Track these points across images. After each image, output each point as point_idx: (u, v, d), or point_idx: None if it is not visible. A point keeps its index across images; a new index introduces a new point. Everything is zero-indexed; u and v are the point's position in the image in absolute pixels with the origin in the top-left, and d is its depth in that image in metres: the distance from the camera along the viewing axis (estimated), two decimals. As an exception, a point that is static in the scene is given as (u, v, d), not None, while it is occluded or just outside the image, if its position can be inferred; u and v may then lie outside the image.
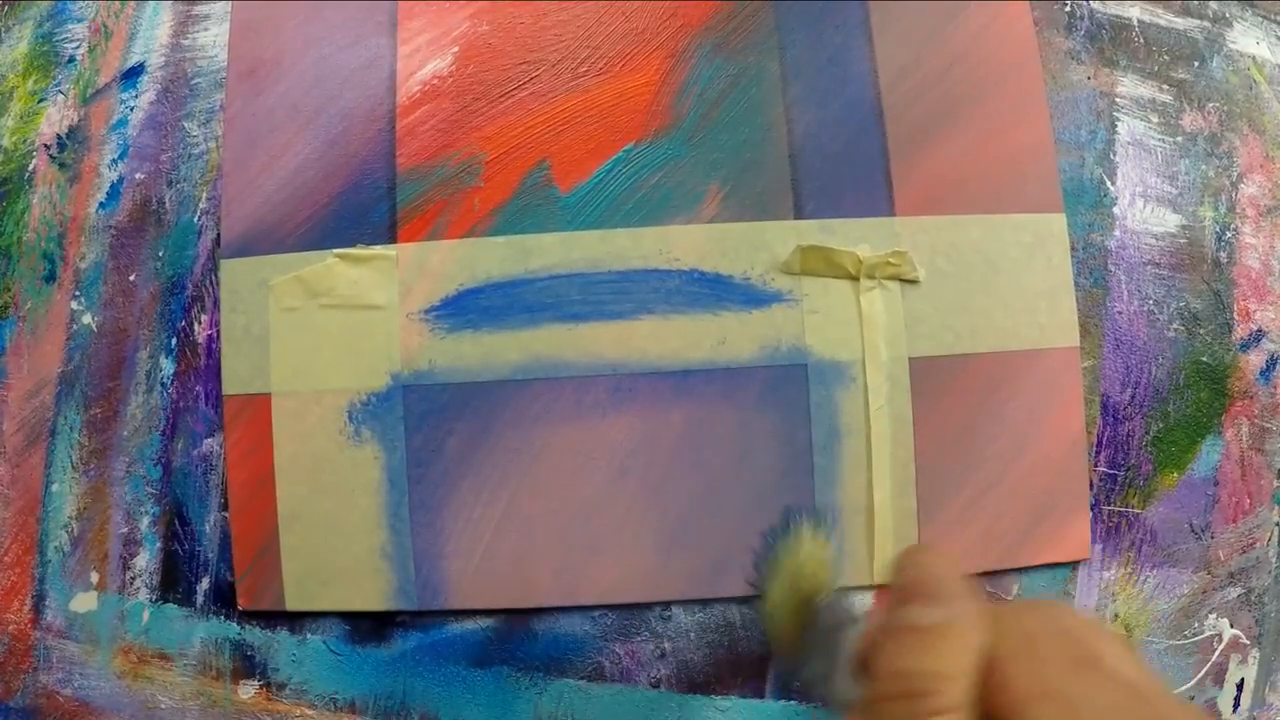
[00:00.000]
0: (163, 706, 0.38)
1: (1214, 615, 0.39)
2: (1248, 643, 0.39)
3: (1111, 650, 0.20)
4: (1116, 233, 0.40)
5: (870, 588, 0.37)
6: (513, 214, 0.38)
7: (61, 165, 0.40)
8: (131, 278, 0.39)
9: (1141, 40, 0.41)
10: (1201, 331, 0.40)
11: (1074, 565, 0.38)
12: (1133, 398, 0.39)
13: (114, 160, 0.40)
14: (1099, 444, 0.39)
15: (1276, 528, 0.39)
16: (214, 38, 0.41)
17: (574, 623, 0.37)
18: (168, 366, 0.39)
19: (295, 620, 0.38)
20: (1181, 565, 0.39)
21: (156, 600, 0.38)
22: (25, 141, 0.41)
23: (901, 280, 0.38)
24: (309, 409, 0.38)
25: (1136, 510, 0.39)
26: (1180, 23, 0.41)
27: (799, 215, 0.39)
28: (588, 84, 0.39)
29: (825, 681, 0.25)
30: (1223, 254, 0.40)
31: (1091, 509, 0.38)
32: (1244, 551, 0.39)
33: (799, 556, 0.30)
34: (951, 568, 0.22)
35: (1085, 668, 0.19)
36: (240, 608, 0.37)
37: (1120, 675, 0.19)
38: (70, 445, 0.39)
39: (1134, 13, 0.41)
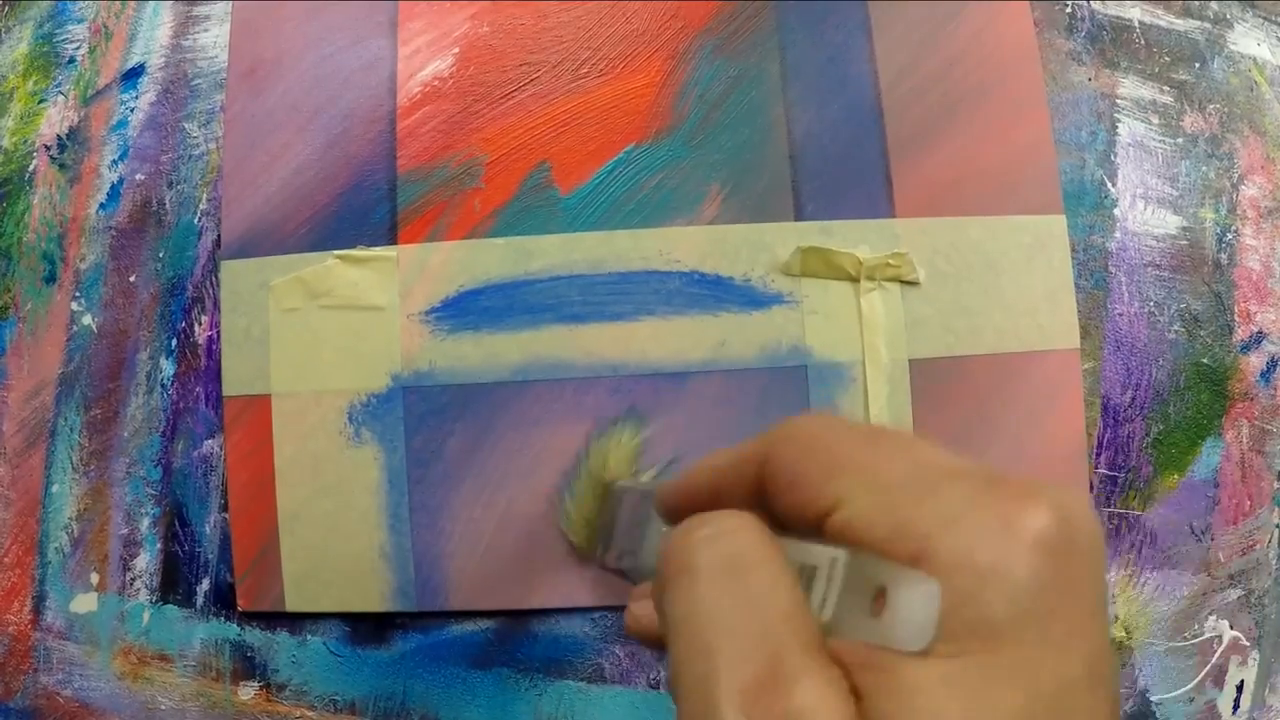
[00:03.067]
0: (163, 707, 0.38)
1: (1214, 617, 0.39)
2: (1248, 645, 0.39)
3: (899, 433, 0.19)
4: (1117, 234, 0.40)
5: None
6: (513, 215, 0.38)
7: (62, 166, 0.40)
8: (132, 279, 0.39)
9: (1142, 41, 0.41)
10: (1202, 333, 0.40)
11: (1074, 567, 0.38)
12: (1133, 399, 0.39)
13: (114, 161, 0.40)
14: (1099, 446, 0.39)
15: (1277, 530, 0.39)
16: (214, 38, 0.41)
17: (574, 624, 0.37)
18: (168, 368, 0.39)
19: (295, 621, 0.38)
20: (1181, 567, 0.39)
21: (157, 601, 0.38)
22: (25, 142, 0.41)
23: (902, 282, 0.38)
24: (309, 410, 0.38)
25: (1137, 512, 0.39)
26: (1181, 24, 0.41)
27: (799, 216, 0.39)
28: (588, 85, 0.39)
29: (631, 556, 0.26)
30: (1223, 256, 0.40)
31: (1091, 511, 0.38)
32: (1244, 553, 0.39)
33: (606, 451, 0.34)
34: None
35: (877, 438, 0.18)
36: (240, 609, 0.37)
37: (916, 446, 0.18)
38: (70, 446, 0.39)
39: (1135, 14, 0.41)
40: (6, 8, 0.42)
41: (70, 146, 0.40)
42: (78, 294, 0.39)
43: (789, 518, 0.19)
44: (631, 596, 0.24)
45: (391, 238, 0.38)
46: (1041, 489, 0.16)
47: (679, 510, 0.23)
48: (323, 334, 0.38)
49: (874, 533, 0.16)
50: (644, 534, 0.26)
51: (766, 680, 0.15)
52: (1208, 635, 0.39)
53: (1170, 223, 0.40)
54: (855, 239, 0.38)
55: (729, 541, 0.18)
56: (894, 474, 0.17)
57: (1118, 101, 0.40)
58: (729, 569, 0.17)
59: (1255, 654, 0.39)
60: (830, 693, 0.15)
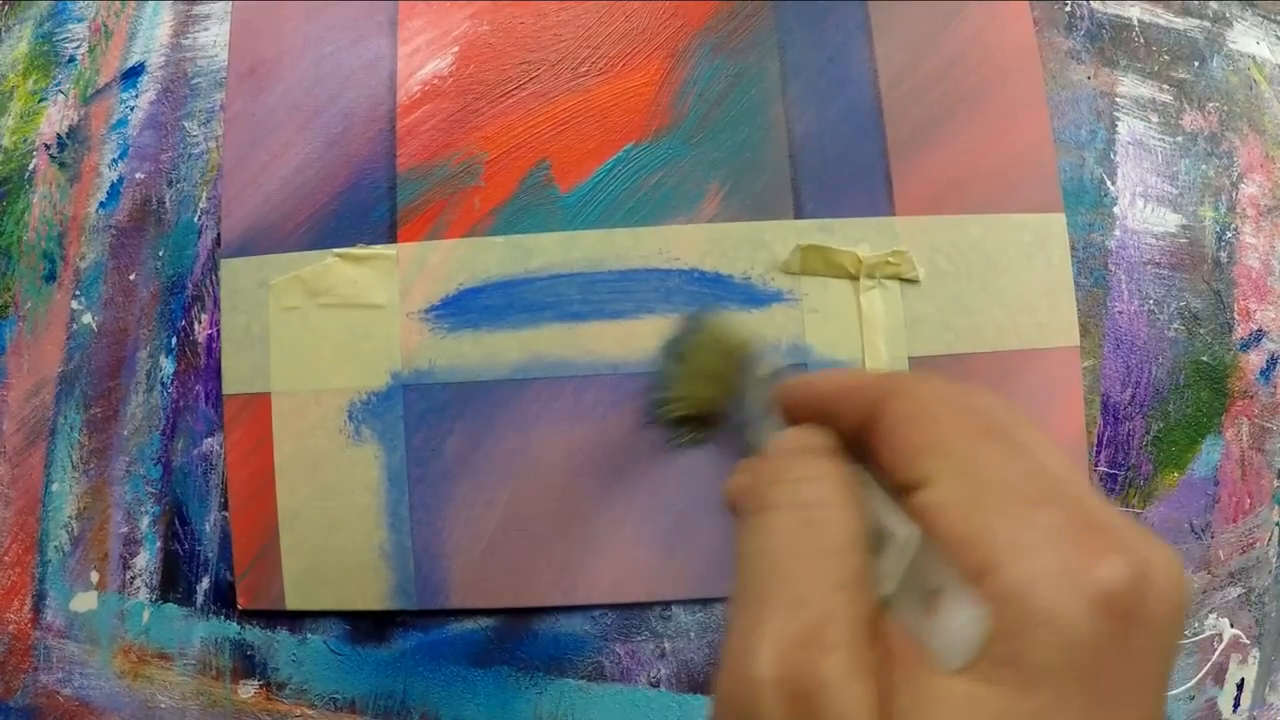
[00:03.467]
0: (162, 706, 0.38)
1: (1214, 615, 0.39)
2: (1248, 642, 0.39)
3: (1024, 428, 0.18)
4: (1117, 232, 0.40)
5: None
6: (513, 213, 0.38)
7: (62, 165, 0.40)
8: (132, 277, 0.39)
9: (1142, 40, 0.41)
10: (1202, 331, 0.40)
11: (1074, 565, 0.38)
12: (1133, 397, 0.39)
13: (114, 160, 0.40)
14: (1099, 443, 0.39)
15: (1277, 527, 0.39)
16: (214, 38, 0.41)
17: (574, 622, 0.37)
18: (168, 366, 0.39)
19: (295, 620, 0.38)
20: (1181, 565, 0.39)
21: (156, 600, 0.38)
22: (25, 141, 0.41)
23: (901, 280, 0.38)
24: (309, 408, 0.38)
25: (1137, 510, 0.39)
26: (1180, 23, 0.41)
27: (799, 215, 0.39)
28: (588, 84, 0.39)
29: (751, 430, 0.26)
30: (1223, 254, 0.40)
31: (1091, 509, 0.38)
32: (1244, 551, 0.39)
33: (716, 329, 0.32)
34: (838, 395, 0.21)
35: (989, 431, 0.17)
36: (240, 607, 0.37)
37: (1033, 451, 0.17)
38: (70, 445, 0.39)
39: (1134, 12, 0.41)
40: (6, 7, 0.42)
41: (70, 145, 0.40)
42: (78, 292, 0.39)
43: (885, 470, 0.18)
44: (739, 466, 0.23)
45: (391, 236, 0.38)
46: (1133, 543, 0.15)
47: (794, 412, 0.22)
48: (322, 332, 0.38)
49: (950, 530, 0.16)
50: (764, 417, 0.25)
51: (806, 640, 0.16)
52: (1208, 633, 0.39)
53: (1170, 221, 0.40)
54: (855, 237, 0.38)
55: (810, 490, 0.18)
56: (993, 475, 0.16)
57: (1117, 100, 0.40)
58: (803, 521, 0.17)
59: (1255, 652, 0.39)
60: (858, 673, 0.15)
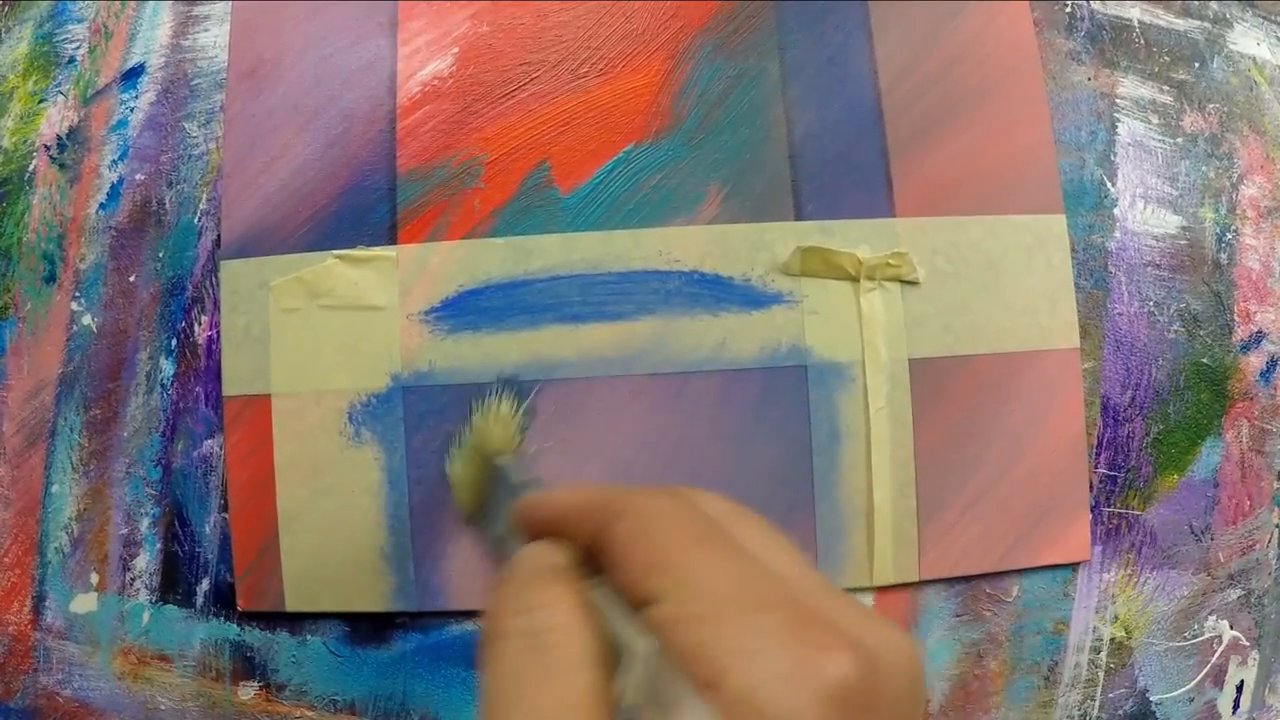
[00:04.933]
0: (162, 708, 0.38)
1: (1214, 617, 0.39)
2: (1247, 645, 0.39)
3: (745, 529, 0.19)
4: (1117, 234, 0.40)
5: (870, 589, 0.37)
6: (513, 215, 0.38)
7: (61, 166, 0.40)
8: (131, 279, 0.39)
9: (1142, 41, 0.41)
10: (1202, 333, 0.40)
11: (1074, 567, 0.38)
12: (1133, 399, 0.39)
13: (114, 161, 0.40)
14: (1099, 445, 0.39)
15: (1276, 530, 0.39)
16: (214, 38, 0.41)
17: (574, 624, 0.37)
18: (168, 368, 0.39)
19: (295, 621, 0.38)
20: (1181, 567, 0.39)
21: (156, 601, 0.38)
22: (25, 142, 0.41)
23: (901, 281, 0.38)
24: (309, 410, 0.38)
25: (1136, 512, 0.39)
26: (1181, 24, 0.41)
27: (799, 216, 0.39)
28: (588, 85, 0.39)
29: (502, 542, 0.27)
30: (1223, 255, 0.40)
31: (1091, 510, 0.38)
32: (1244, 553, 0.39)
33: (489, 421, 0.34)
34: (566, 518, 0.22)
35: (708, 542, 0.18)
36: (240, 609, 0.37)
37: (747, 549, 0.18)
38: (70, 446, 0.39)
39: (1134, 13, 0.41)
40: (6, 8, 0.42)
41: (70, 146, 0.40)
42: (77, 294, 0.39)
43: (619, 587, 0.19)
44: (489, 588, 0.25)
45: (391, 237, 0.38)
46: (857, 633, 0.16)
47: (534, 528, 0.23)
48: (323, 334, 0.38)
49: (678, 643, 0.16)
50: (511, 531, 0.26)
51: None
52: (1207, 635, 0.39)
53: (1170, 222, 0.40)
54: (855, 239, 0.38)
55: (540, 617, 0.18)
56: (713, 584, 0.17)
57: (1117, 101, 0.40)
58: (534, 646, 0.18)
59: (1255, 654, 0.39)
60: None
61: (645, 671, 0.17)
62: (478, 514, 0.32)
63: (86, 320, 0.39)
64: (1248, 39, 0.42)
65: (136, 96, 0.40)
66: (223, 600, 0.38)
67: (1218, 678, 0.39)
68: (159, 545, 0.38)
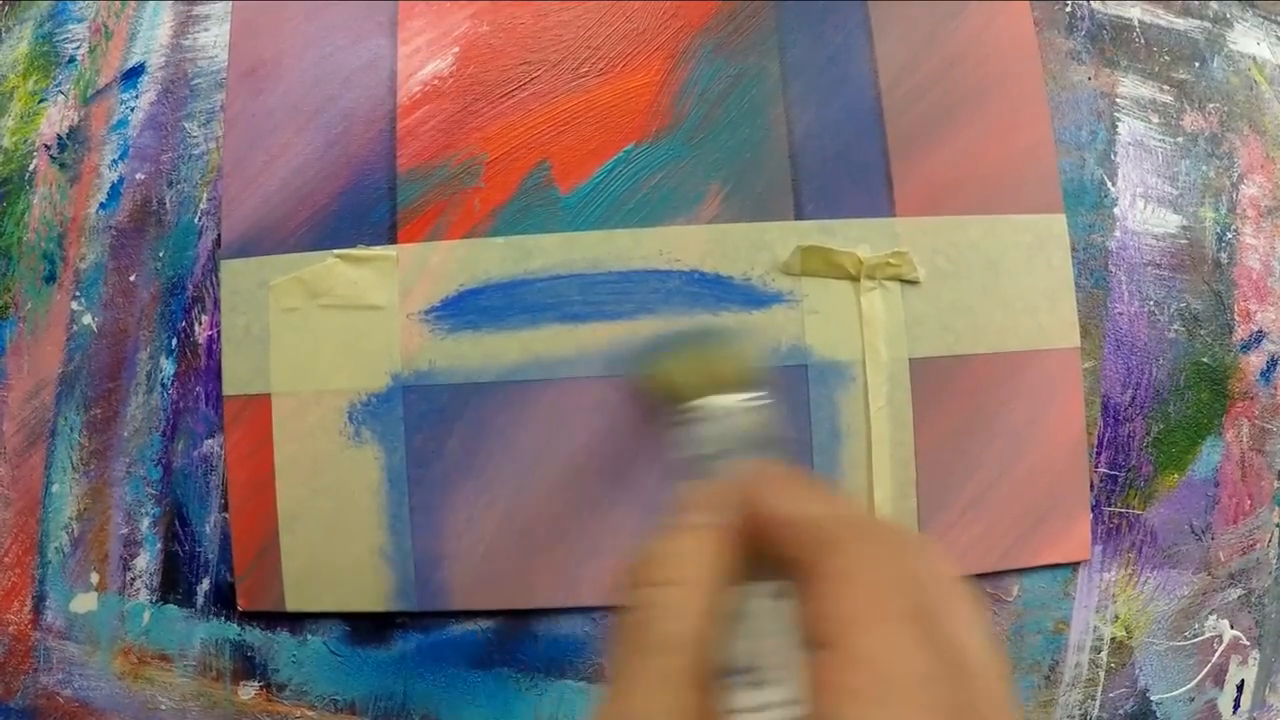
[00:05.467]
0: (163, 707, 0.38)
1: (1214, 616, 0.39)
2: (1248, 644, 0.39)
3: (954, 609, 0.18)
4: (1117, 233, 0.40)
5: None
6: (513, 214, 0.38)
7: (62, 165, 0.40)
8: (132, 278, 0.39)
9: (1142, 41, 0.41)
10: (1202, 332, 0.40)
11: (1074, 566, 0.38)
12: (1133, 399, 0.39)
13: (114, 160, 0.40)
14: (1099, 445, 0.39)
15: (1277, 529, 0.39)
16: (214, 38, 0.41)
17: (574, 624, 0.37)
18: (168, 367, 0.39)
19: (295, 621, 0.38)
20: (1182, 566, 0.39)
21: (157, 601, 0.38)
22: (25, 142, 0.41)
23: (902, 281, 0.38)
24: (309, 409, 0.38)
25: (1137, 511, 0.39)
26: (1181, 23, 0.41)
27: (799, 216, 0.39)
28: (588, 84, 0.39)
29: (690, 469, 0.28)
30: (1223, 255, 0.40)
31: (1092, 510, 0.38)
32: (1244, 553, 0.39)
33: (722, 355, 0.34)
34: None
35: (908, 622, 0.17)
36: (240, 608, 0.37)
37: (943, 642, 0.17)
38: (70, 446, 0.39)
39: (1135, 13, 0.41)
40: (6, 7, 0.42)
41: (70, 146, 0.40)
42: (78, 293, 0.39)
43: (801, 614, 0.19)
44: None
45: (391, 237, 0.38)
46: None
47: (734, 510, 0.23)
48: (322, 333, 0.38)
49: (827, 704, 0.17)
50: (712, 454, 0.27)
51: None
52: (1208, 634, 0.39)
53: (1170, 222, 0.40)
54: (855, 238, 0.38)
55: (665, 595, 0.20)
56: (890, 670, 0.17)
57: (1118, 100, 0.40)
58: (644, 621, 0.20)
59: (1255, 653, 0.39)
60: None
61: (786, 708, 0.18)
62: (670, 407, 0.31)
63: (87, 320, 0.39)
64: (1248, 38, 0.42)
65: (137, 96, 0.40)
66: (223, 600, 0.38)
67: (1218, 677, 0.39)
68: (159, 545, 0.38)
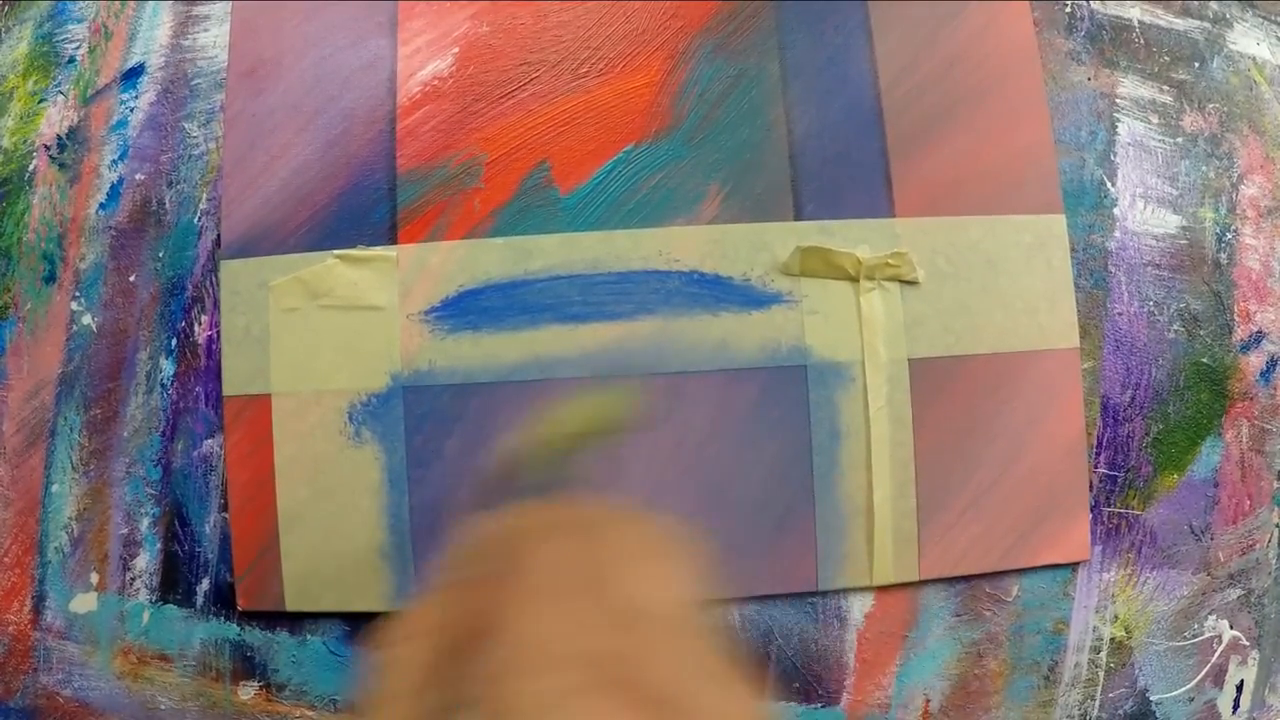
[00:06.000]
0: (162, 707, 0.38)
1: (1214, 617, 0.39)
2: (1247, 644, 0.39)
3: (637, 574, 0.21)
4: (1117, 234, 0.40)
5: (870, 589, 0.37)
6: (513, 215, 0.38)
7: (61, 166, 0.40)
8: (131, 278, 0.39)
9: (1142, 41, 0.41)
10: (1202, 333, 0.40)
11: (1074, 566, 0.38)
12: (1133, 399, 0.39)
13: (114, 161, 0.40)
14: (1099, 445, 0.39)
15: (1276, 529, 0.39)
16: (214, 38, 0.41)
17: (574, 624, 0.37)
18: (168, 367, 0.39)
19: (295, 621, 0.38)
20: (1181, 567, 0.39)
21: (156, 601, 0.38)
22: (25, 142, 0.41)
23: (901, 281, 0.38)
24: (309, 410, 0.38)
25: (1136, 511, 0.39)
26: (1180, 24, 0.41)
27: (799, 216, 0.39)
28: (588, 85, 0.39)
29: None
30: (1223, 255, 0.40)
31: (1091, 510, 0.38)
32: (1244, 553, 0.39)
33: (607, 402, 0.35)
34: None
35: (590, 591, 0.20)
36: (240, 608, 0.37)
37: (630, 602, 0.20)
38: (70, 446, 0.39)
39: (1134, 13, 0.41)
40: (6, 8, 0.42)
41: (70, 146, 0.40)
42: (77, 294, 0.39)
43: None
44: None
45: (391, 237, 0.38)
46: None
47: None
48: (322, 334, 0.38)
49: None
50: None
51: None
52: (1207, 635, 0.39)
53: (1170, 222, 0.40)
54: (855, 239, 0.38)
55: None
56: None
57: (1117, 101, 0.40)
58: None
59: (1255, 653, 0.39)
60: None
61: None
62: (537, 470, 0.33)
63: (86, 320, 0.39)
64: (1248, 39, 0.42)
65: (136, 96, 0.40)
66: (223, 600, 0.38)
67: (1218, 677, 0.39)
68: (159, 545, 0.38)
